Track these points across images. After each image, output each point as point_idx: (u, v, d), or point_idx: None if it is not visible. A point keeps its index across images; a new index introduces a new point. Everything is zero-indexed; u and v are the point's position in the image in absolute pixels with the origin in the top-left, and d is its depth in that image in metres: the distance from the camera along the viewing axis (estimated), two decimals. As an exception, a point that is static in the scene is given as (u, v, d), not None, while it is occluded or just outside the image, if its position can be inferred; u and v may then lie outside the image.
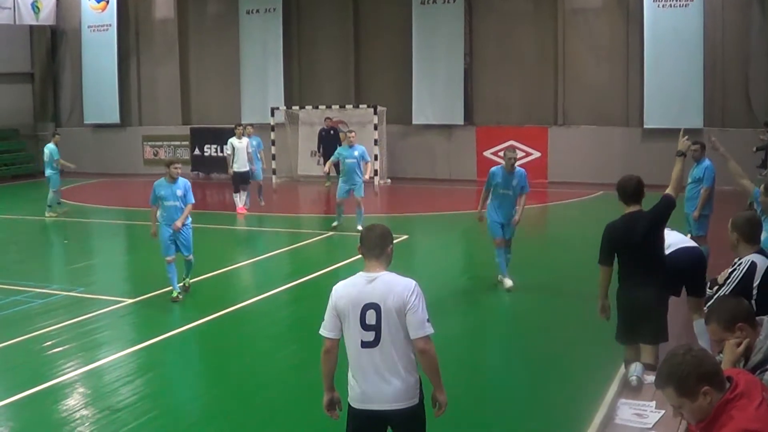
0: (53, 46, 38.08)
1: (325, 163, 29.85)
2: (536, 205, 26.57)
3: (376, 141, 30.34)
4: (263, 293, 14.90)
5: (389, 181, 30.81)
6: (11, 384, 10.64)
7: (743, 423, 4.32)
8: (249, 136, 23.90)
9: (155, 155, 35.77)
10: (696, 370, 4.42)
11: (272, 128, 31.35)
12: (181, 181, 14.35)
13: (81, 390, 10.52)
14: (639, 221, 8.54)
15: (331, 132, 30.24)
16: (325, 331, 6.27)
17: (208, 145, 34.03)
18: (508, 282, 14.59)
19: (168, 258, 14.24)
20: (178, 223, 14.14)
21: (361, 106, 31.24)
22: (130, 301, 14.29)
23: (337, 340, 6.27)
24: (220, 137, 32.51)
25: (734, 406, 4.40)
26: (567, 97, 29.98)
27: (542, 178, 29.77)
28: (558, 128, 30.05)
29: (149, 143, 36.01)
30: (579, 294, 14.06)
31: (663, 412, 5.90)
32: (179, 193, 14.22)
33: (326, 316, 6.28)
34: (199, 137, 34.44)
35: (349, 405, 6.35)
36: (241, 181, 23.72)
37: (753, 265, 7.30)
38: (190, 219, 14.48)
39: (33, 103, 38.22)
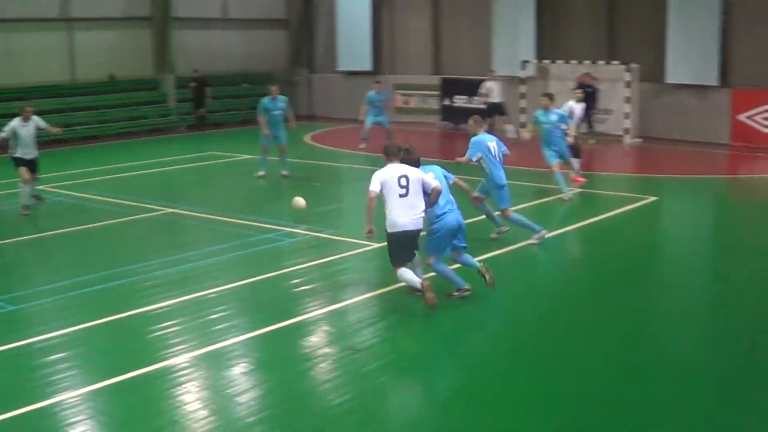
0: (308, -7, 39.16)
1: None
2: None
3: (628, 98, 29.44)
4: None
5: (640, 140, 29.83)
6: (259, 318, 11.22)
7: None
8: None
9: (406, 104, 36.27)
10: None
11: (522, 81, 31.00)
12: None
13: (324, 328, 10.89)
14: None
15: (589, 89, 29.23)
16: (374, 187, 11.20)
17: (458, 96, 34.08)
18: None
19: None
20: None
21: (613, 62, 30.26)
22: (377, 245, 13.78)
23: (377, 193, 11.18)
24: (471, 88, 32.39)
25: None
26: None
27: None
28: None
29: (400, 92, 36.49)
30: None
31: None
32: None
33: (372, 184, 11.23)
34: (449, 87, 34.55)
35: (391, 233, 11.32)
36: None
37: None
38: None
39: (287, 48, 39.55)
